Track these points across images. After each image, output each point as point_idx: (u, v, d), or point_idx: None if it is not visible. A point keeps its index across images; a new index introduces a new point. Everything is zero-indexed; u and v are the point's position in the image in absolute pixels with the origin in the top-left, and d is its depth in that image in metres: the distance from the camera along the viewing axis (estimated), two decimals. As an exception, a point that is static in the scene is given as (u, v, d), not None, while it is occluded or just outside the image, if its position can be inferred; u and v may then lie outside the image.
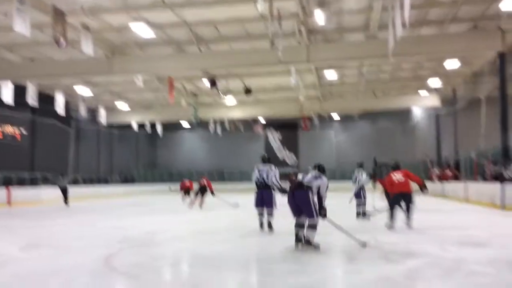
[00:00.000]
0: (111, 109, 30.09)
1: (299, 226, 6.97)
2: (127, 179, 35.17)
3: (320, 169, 7.18)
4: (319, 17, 14.63)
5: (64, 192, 19.05)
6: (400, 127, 35.99)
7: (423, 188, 9.09)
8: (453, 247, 6.87)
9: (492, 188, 14.95)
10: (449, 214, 12.66)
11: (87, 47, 14.90)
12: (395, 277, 5.03)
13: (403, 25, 10.45)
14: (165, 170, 39.78)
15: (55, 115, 22.71)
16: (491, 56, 18.32)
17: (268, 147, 40.24)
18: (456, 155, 23.92)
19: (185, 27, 16.40)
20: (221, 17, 15.83)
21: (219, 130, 33.54)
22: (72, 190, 20.72)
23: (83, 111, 24.31)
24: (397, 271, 5.32)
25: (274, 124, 39.13)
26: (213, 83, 20.99)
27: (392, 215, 8.99)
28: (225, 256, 6.53)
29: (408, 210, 8.96)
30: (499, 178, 14.45)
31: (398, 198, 8.97)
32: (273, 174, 8.81)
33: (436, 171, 24.43)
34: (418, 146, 32.68)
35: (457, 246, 6.97)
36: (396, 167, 9.23)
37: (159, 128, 32.32)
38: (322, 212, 6.84)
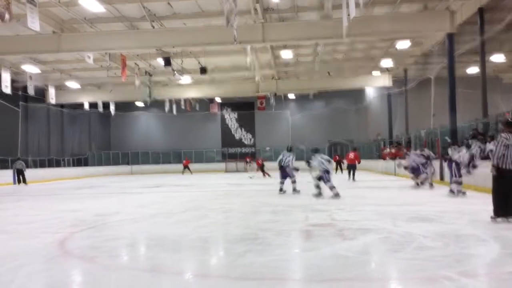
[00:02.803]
0: (61, 88, 29.01)
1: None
2: (79, 161, 34.16)
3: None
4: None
5: (22, 174, 21.66)
6: (354, 106, 36.73)
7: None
8: (404, 223, 7.13)
9: (440, 166, 15.64)
10: (401, 192, 13.09)
11: (33, 23, 14.12)
12: (350, 253, 5.17)
13: (357, 5, 10.54)
14: (119, 151, 38.97)
15: (0, 94, 21.61)
16: (440, 37, 18.87)
17: (225, 127, 40.13)
18: (407, 134, 24.68)
19: (137, 2, 15.92)
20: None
21: (174, 110, 33.00)
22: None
23: (31, 90, 23.24)
24: (352, 247, 5.46)
25: (230, 103, 38.98)
26: (167, 61, 20.56)
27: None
28: (181, 237, 6.49)
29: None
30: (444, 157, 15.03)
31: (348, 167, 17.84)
32: (291, 159, 12.93)
33: (388, 149, 25.13)
34: (371, 125, 33.48)
35: (408, 222, 7.24)
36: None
37: (112, 108, 31.42)
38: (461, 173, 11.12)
